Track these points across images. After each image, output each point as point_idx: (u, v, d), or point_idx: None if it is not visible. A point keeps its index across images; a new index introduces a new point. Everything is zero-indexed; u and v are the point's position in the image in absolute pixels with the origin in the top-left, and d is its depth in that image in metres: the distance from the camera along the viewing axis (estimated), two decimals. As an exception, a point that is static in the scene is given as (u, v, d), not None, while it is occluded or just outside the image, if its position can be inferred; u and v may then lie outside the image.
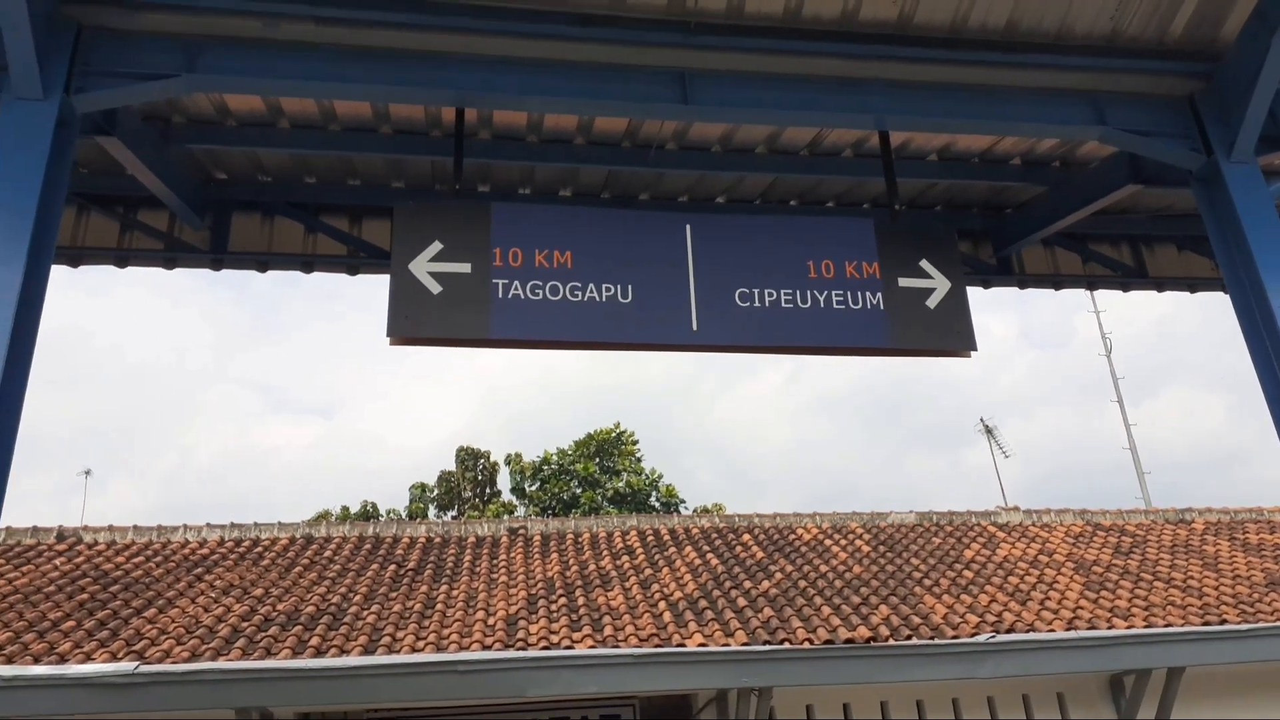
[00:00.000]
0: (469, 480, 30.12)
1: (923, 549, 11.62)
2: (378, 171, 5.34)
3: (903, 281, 4.75)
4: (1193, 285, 6.25)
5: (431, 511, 29.75)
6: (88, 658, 7.72)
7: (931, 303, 4.75)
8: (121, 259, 5.44)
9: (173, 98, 4.50)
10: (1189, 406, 65.32)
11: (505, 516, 22.17)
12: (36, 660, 7.64)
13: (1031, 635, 8.70)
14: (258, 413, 64.95)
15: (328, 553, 11.06)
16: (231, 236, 5.48)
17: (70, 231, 5.34)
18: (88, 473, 25.61)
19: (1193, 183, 4.62)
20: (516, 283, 4.50)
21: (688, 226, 4.78)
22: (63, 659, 7.68)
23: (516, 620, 8.91)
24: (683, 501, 28.85)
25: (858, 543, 11.85)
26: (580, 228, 4.67)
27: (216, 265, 5.51)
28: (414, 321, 4.37)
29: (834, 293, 4.68)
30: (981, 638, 8.58)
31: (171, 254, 5.44)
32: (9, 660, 7.63)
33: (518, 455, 30.02)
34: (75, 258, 5.39)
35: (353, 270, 5.54)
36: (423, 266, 4.44)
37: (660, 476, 29.11)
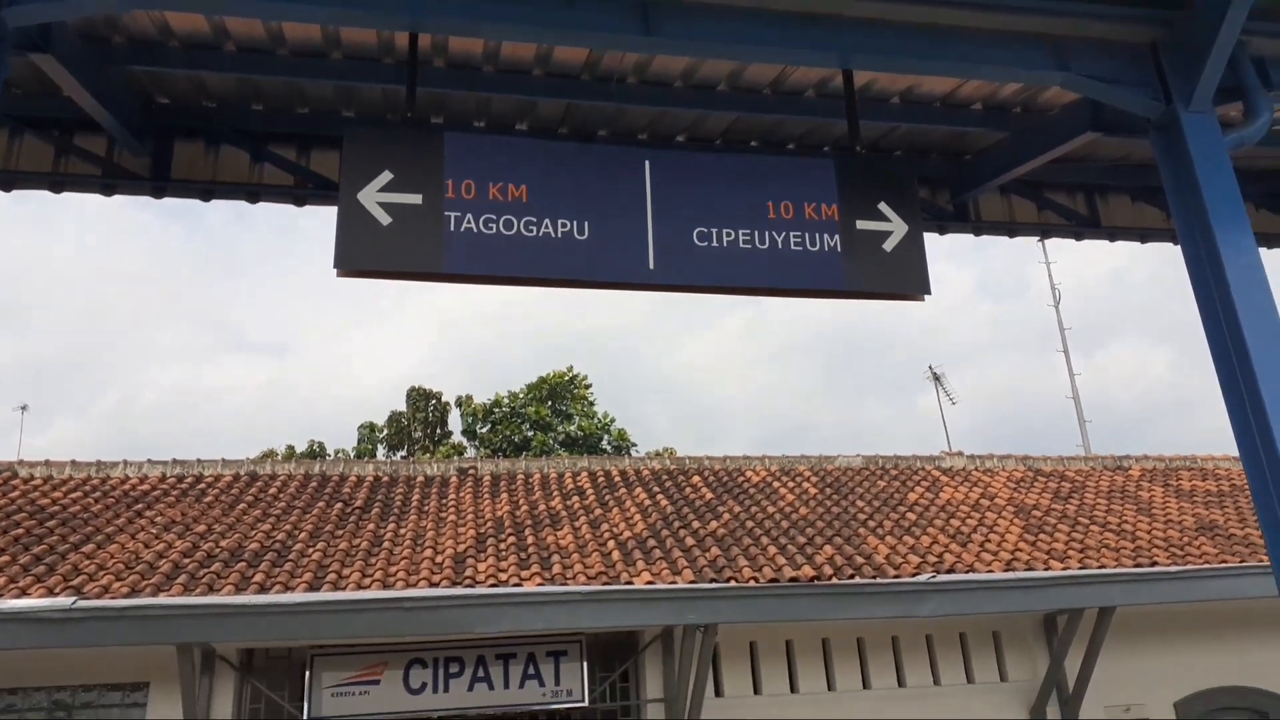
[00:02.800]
0: (419, 421, 29.92)
1: (868, 492, 11.83)
2: (327, 99, 5.14)
3: (860, 224, 4.73)
4: (1144, 235, 6.32)
5: (381, 452, 29.55)
6: (24, 593, 7.58)
7: (888, 245, 4.74)
8: (57, 184, 5.20)
9: (111, 14, 4.27)
10: (1138, 358, 67.02)
11: (455, 457, 22.09)
12: (-30, 595, 7.47)
13: (970, 576, 8.94)
14: (208, 351, 63.54)
15: (273, 490, 10.94)
16: (174, 164, 5.26)
17: (2, 154, 5.09)
18: (24, 408, 24.95)
19: (1150, 131, 4.63)
20: (469, 215, 4.38)
21: (647, 164, 4.69)
22: (-2, 594, 7.52)
23: (465, 558, 8.92)
24: (634, 445, 28.98)
25: (805, 485, 12.02)
26: (536, 161, 4.56)
27: (158, 193, 5.30)
28: (362, 253, 4.25)
29: (792, 234, 4.65)
30: (922, 578, 8.79)
31: (110, 180, 5.21)
32: (-58, 595, 7.46)
33: (469, 397, 29.85)
34: (7, 182, 5.14)
35: (300, 201, 5.37)
36: (372, 196, 4.30)
37: (613, 421, 29.18)
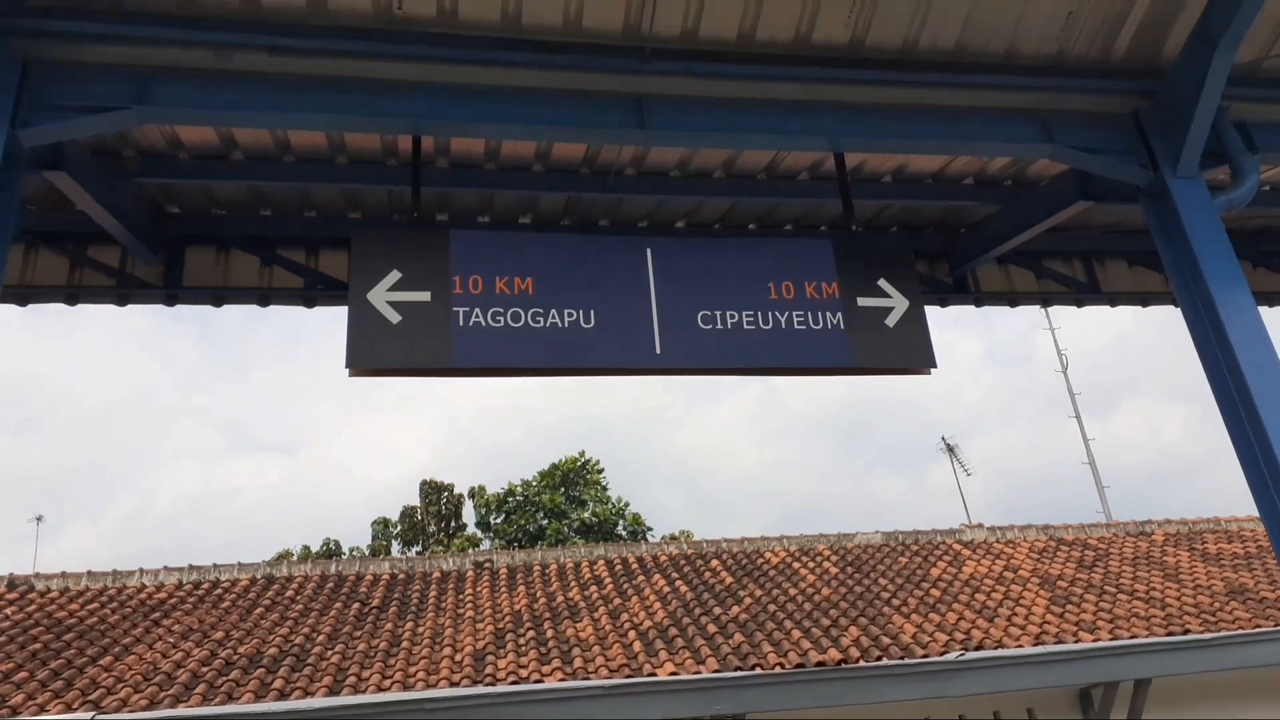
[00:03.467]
0: (433, 514, 29.76)
1: (890, 569, 11.65)
2: (334, 202, 5.29)
3: (862, 301, 4.79)
4: (1144, 299, 6.36)
5: (395, 547, 29.34)
6: (41, 709, 7.48)
7: (890, 321, 4.79)
8: (72, 296, 5.32)
9: (123, 130, 4.44)
10: (1149, 419, 66.44)
11: (470, 550, 21.91)
12: (-13, 713, 7.39)
13: (1000, 652, 8.74)
14: (220, 452, 63.77)
15: (289, 592, 10.85)
16: (186, 271, 5.39)
17: (18, 270, 5.22)
18: (39, 519, 24.98)
19: (1141, 199, 4.71)
20: (477, 310, 4.47)
21: (648, 250, 4.79)
22: (15, 711, 7.43)
23: (484, 655, 8.79)
24: (650, 529, 28.71)
25: (825, 564, 11.86)
26: (540, 254, 4.66)
27: (170, 301, 5.41)
28: (374, 352, 4.32)
29: (795, 313, 4.71)
30: (951, 656, 8.60)
31: (124, 290, 5.33)
32: (-43, 715, 7.37)
33: (481, 488, 29.74)
34: (24, 297, 5.26)
35: (310, 303, 5.47)
36: (381, 296, 4.39)
37: (627, 505, 28.97)
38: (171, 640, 9.16)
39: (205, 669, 8.34)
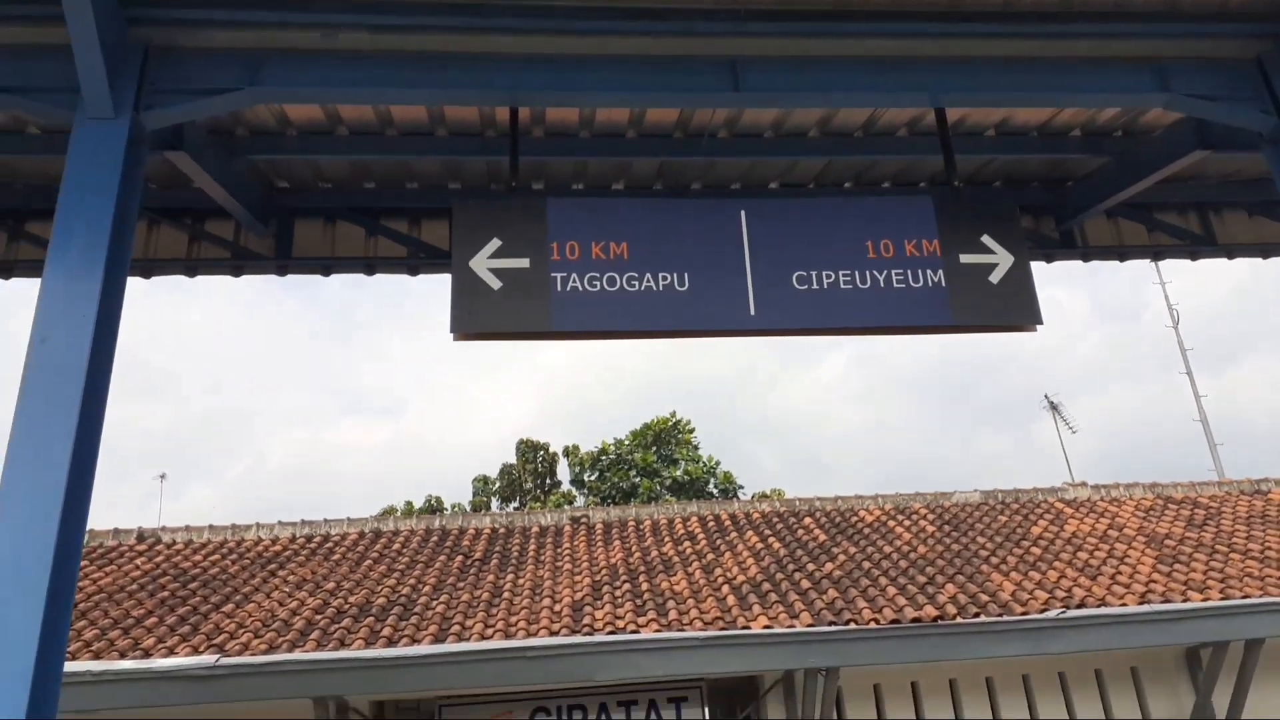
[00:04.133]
0: (529, 472, 30.42)
1: (989, 527, 11.49)
2: (435, 174, 5.42)
3: (964, 258, 4.70)
4: (1265, 251, 6.08)
5: (494, 504, 30.12)
6: (170, 652, 7.99)
7: (994, 278, 4.69)
8: (191, 269, 5.60)
9: (236, 111, 4.62)
10: (1269, 375, 63.25)
11: (567, 506, 22.34)
12: (122, 655, 7.93)
13: (1103, 610, 8.58)
14: (329, 414, 66.21)
15: (396, 546, 11.29)
16: (295, 242, 5.61)
17: (142, 244, 5.51)
18: (163, 477, 26.35)
19: (1263, 146, 4.49)
20: (574, 275, 4.54)
21: (742, 212, 4.78)
22: (147, 654, 7.96)
23: (582, 606, 9.02)
24: (741, 488, 28.82)
25: (922, 523, 11.76)
26: (635, 218, 4.70)
27: (282, 271, 5.65)
28: (476, 317, 4.44)
29: (894, 272, 4.65)
30: (1051, 613, 8.48)
31: (238, 262, 5.58)
32: (97, 656, 7.94)
33: (575, 447, 30.24)
34: (148, 269, 5.56)
35: (414, 271, 5.64)
36: (483, 263, 4.50)
37: (718, 464, 29.10)
38: (287, 590, 9.65)
39: (319, 617, 8.77)
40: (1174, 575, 9.50)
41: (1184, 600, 8.76)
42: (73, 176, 3.84)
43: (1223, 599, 8.73)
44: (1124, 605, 8.67)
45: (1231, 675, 9.05)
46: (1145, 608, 8.60)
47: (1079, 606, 8.63)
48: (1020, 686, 9.59)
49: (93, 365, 3.58)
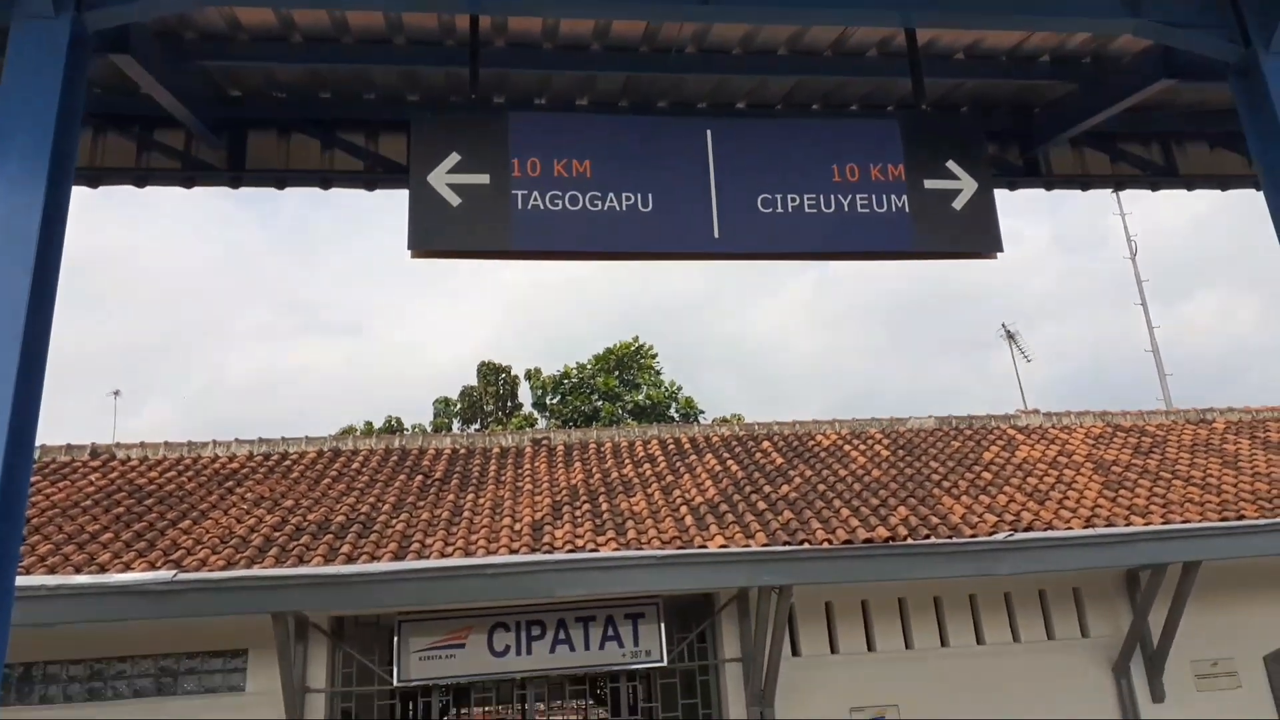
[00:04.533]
0: (491, 395, 30.39)
1: (942, 452, 11.73)
2: (393, 84, 5.25)
3: (928, 183, 4.68)
4: (1224, 183, 6.12)
5: (455, 425, 30.12)
6: (127, 567, 7.98)
7: (958, 204, 4.68)
8: (140, 178, 5.41)
9: (184, 13, 4.42)
10: (1221, 308, 64.49)
11: (527, 429, 22.43)
12: (78, 570, 7.91)
13: (1049, 533, 8.84)
14: (288, 332, 65.35)
15: (355, 465, 11.28)
16: (248, 154, 5.43)
17: (88, 152, 5.30)
18: (116, 393, 25.89)
19: (1229, 76, 4.48)
20: (536, 193, 4.46)
21: (708, 132, 4.70)
22: (103, 569, 7.95)
23: (542, 526, 9.12)
24: (702, 413, 29.04)
25: (876, 447, 11.96)
26: (599, 136, 4.61)
27: (235, 183, 5.48)
28: (434, 234, 4.36)
29: (858, 196, 4.62)
30: (1000, 536, 8.72)
31: (189, 173, 5.40)
32: (51, 570, 7.91)
33: (537, 370, 30.19)
34: (94, 178, 5.37)
35: (370, 185, 5.49)
36: (441, 178, 4.40)
37: (680, 389, 29.26)
38: (245, 507, 9.63)
39: (277, 534, 8.79)
40: (1119, 500, 9.79)
41: (1127, 525, 9.04)
42: (11, 79, 3.66)
43: (1163, 524, 9.03)
44: (1069, 529, 8.94)
45: (1168, 596, 9.42)
46: (1089, 531, 8.88)
47: (1026, 530, 8.88)
48: (967, 606, 9.92)
49: (37, 276, 3.46)
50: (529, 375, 30.33)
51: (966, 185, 4.78)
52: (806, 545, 8.53)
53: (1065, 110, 5.56)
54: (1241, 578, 9.98)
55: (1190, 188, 6.14)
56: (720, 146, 4.67)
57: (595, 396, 28.62)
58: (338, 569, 8.03)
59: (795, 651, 9.53)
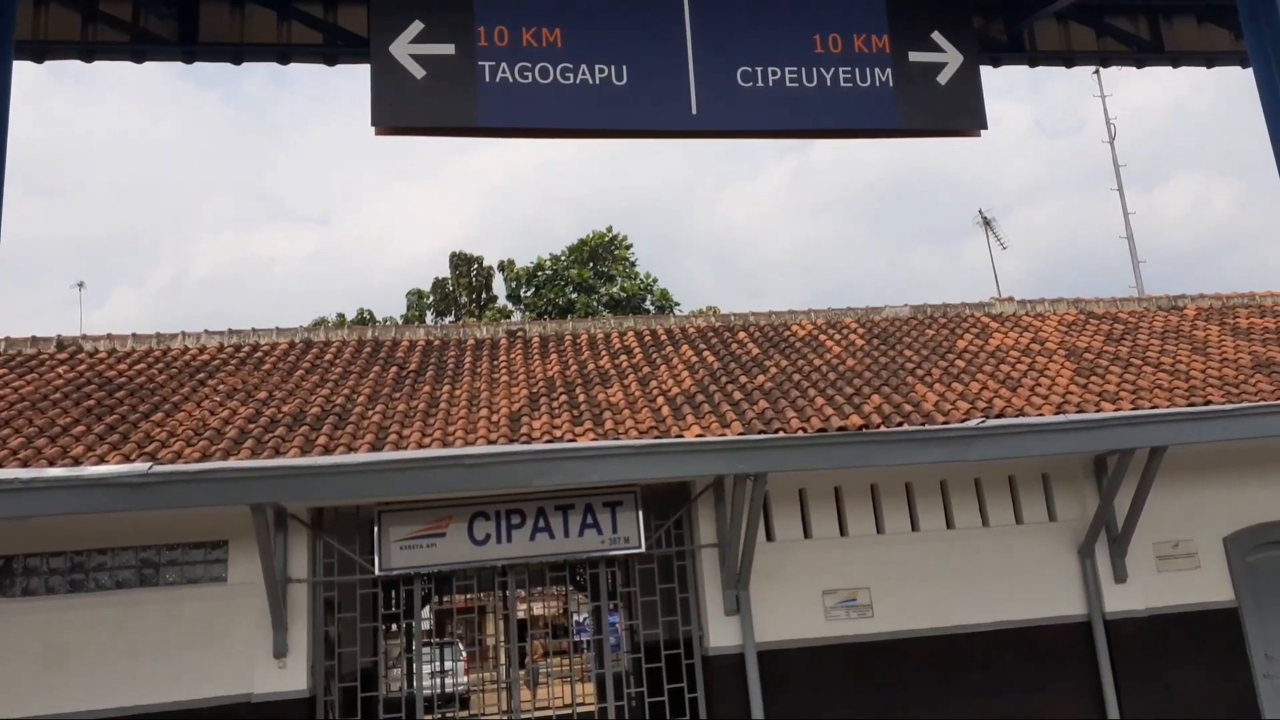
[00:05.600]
0: (464, 286, 30.14)
1: (916, 340, 11.77)
2: (351, -52, 4.97)
3: (913, 56, 4.53)
4: (1210, 59, 5.98)
5: (429, 318, 29.94)
6: (101, 460, 7.92)
7: (943, 78, 4.55)
8: (87, 53, 5.14)
9: None
10: (1198, 194, 64.56)
11: (502, 321, 22.31)
12: (51, 463, 7.84)
13: (1020, 420, 8.94)
14: (256, 221, 64.24)
15: (328, 356, 11.18)
16: (201, 26, 5.15)
17: (29, 24, 5.02)
18: (81, 285, 25.65)
19: (1224, -59, 4.32)
20: (504, 65, 4.28)
21: (685, 1, 4.50)
22: (77, 461, 7.88)
23: (519, 416, 9.12)
24: (678, 305, 29.02)
25: (852, 337, 11.98)
26: (570, 3, 4.40)
27: (188, 58, 5.21)
28: (397, 108, 4.19)
29: (841, 69, 4.47)
30: (971, 423, 8.82)
31: (140, 46, 5.12)
32: (24, 463, 7.83)
33: (511, 261, 29.91)
34: (39, 52, 5.09)
35: (331, 60, 5.25)
36: (404, 49, 4.20)
37: (655, 281, 29.16)
38: (217, 399, 9.55)
39: (252, 426, 8.73)
40: (1090, 387, 9.90)
41: (1097, 410, 9.15)
42: (-63, -65, 3.41)
43: (1132, 409, 9.15)
44: (1041, 415, 9.04)
45: (1134, 480, 9.62)
46: (1060, 418, 8.99)
47: (998, 416, 8.98)
48: (938, 491, 10.10)
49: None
50: (502, 266, 30.08)
51: (952, 59, 4.64)
52: (781, 434, 8.60)
53: (1054, -20, 5.36)
54: (1206, 462, 10.21)
55: (1176, 64, 6.00)
56: (698, 15, 4.48)
57: (570, 288, 28.48)
58: (314, 460, 8.01)
59: (770, 537, 9.71)
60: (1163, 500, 9.96)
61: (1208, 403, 9.24)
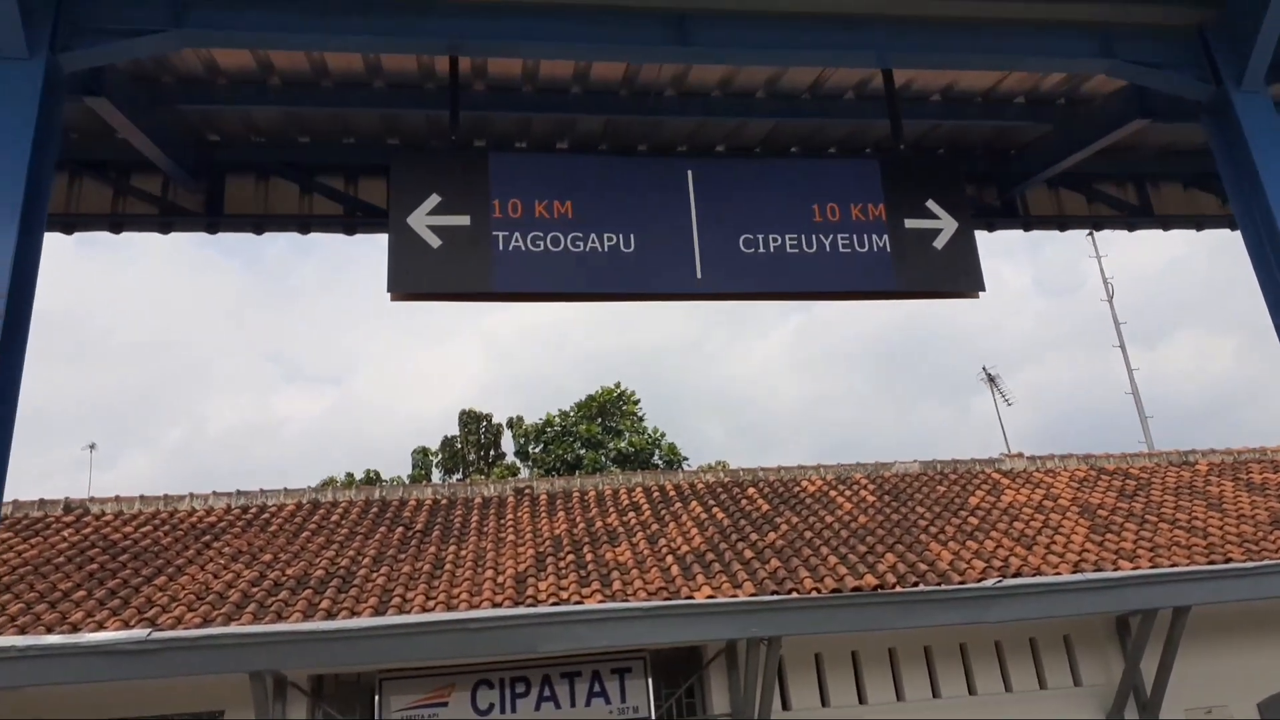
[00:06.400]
0: (472, 444, 30.17)
1: (928, 497, 11.66)
2: (372, 128, 5.25)
3: (909, 223, 4.70)
4: (1199, 223, 6.19)
5: (436, 476, 29.83)
6: (100, 626, 7.75)
7: (939, 243, 4.70)
8: (116, 224, 5.37)
9: (161, 56, 4.42)
10: (1199, 349, 65.04)
11: (510, 479, 22.24)
12: (50, 630, 7.67)
13: (1038, 579, 8.75)
14: (269, 382, 65.12)
15: (334, 517, 11.10)
16: (226, 199, 5.41)
17: (63, 198, 5.26)
18: (92, 447, 25.72)
19: (1201, 115, 4.54)
20: (517, 234, 4.44)
21: (689, 173, 4.71)
22: (75, 628, 7.72)
23: (526, 578, 8.96)
24: (686, 459, 28.92)
25: (863, 493, 11.89)
26: (580, 177, 4.61)
27: (212, 229, 5.45)
28: (414, 276, 4.32)
29: (839, 236, 4.63)
30: (988, 582, 8.63)
31: (167, 218, 5.37)
32: (22, 631, 7.67)
33: (520, 418, 30.04)
34: (69, 225, 5.32)
35: (350, 230, 5.47)
36: (421, 220, 4.38)
37: (663, 435, 29.15)
38: (222, 562, 9.42)
39: (255, 589, 8.58)
40: (1106, 544, 9.72)
41: (1115, 569, 8.97)
42: (-16, 121, 3.63)
43: (1152, 567, 8.96)
44: (1058, 574, 8.85)
45: (1159, 642, 9.32)
46: (1078, 576, 8.79)
47: (1015, 575, 8.79)
48: (958, 655, 9.78)
49: (8, 324, 3.39)
50: (511, 423, 30.16)
51: (947, 225, 4.80)
52: (795, 594, 8.41)
53: (1041, 152, 5.62)
54: (1232, 622, 9.90)
55: (1166, 228, 6.20)
56: (701, 187, 4.68)
57: (578, 444, 28.46)
58: (317, 625, 7.83)
59: (785, 705, 9.34)
60: (1191, 663, 9.60)
61: (1228, 560, 9.05)
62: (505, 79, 4.90)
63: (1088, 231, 6.55)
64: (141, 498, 11.43)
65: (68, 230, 5.33)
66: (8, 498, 10.07)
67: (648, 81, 4.98)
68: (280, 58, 4.60)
